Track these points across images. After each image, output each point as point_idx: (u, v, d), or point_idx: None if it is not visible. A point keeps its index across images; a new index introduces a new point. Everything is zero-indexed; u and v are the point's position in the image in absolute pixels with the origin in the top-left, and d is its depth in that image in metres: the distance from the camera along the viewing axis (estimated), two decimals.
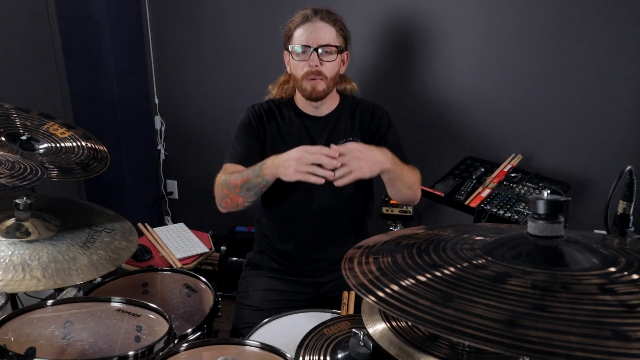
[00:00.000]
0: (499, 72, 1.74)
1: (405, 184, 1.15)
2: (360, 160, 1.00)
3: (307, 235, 1.28)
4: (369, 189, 1.34)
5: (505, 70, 1.73)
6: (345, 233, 1.30)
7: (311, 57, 1.17)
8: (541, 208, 0.56)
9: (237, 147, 1.24)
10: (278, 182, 1.27)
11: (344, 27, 1.23)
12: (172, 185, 2.41)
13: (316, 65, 1.17)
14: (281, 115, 1.28)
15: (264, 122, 1.26)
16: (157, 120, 2.31)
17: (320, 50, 1.17)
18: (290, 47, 1.21)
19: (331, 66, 1.19)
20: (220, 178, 1.19)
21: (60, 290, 1.26)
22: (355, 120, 1.28)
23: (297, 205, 1.26)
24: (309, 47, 1.17)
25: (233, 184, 1.14)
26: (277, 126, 1.26)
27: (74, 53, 2.09)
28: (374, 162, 1.03)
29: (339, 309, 1.08)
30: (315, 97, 1.21)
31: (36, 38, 2.00)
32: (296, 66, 1.20)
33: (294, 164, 1.00)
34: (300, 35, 1.18)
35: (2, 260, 0.89)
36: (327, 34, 1.18)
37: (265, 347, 0.89)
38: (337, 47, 1.19)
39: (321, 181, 0.99)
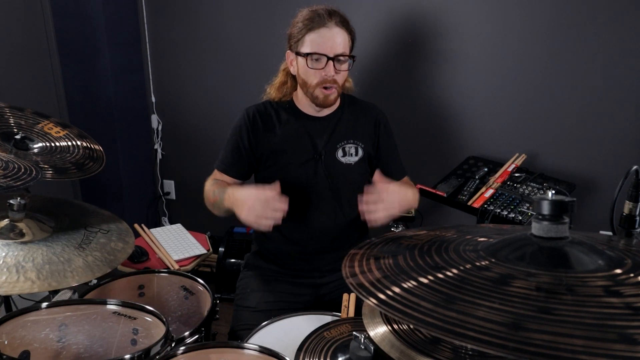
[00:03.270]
0: (502, 71, 1.74)
1: (412, 207, 1.21)
2: (395, 202, 1.04)
3: (306, 236, 1.27)
4: None
5: (509, 69, 1.72)
6: (346, 235, 1.29)
7: (327, 66, 1.12)
8: (546, 209, 0.56)
9: (226, 154, 1.26)
10: (276, 181, 1.26)
11: (354, 32, 1.19)
12: (169, 186, 2.39)
13: (332, 75, 1.13)
14: (278, 119, 1.25)
15: (258, 128, 1.23)
16: (154, 119, 2.29)
17: (340, 59, 1.13)
18: (301, 51, 1.14)
19: (343, 75, 1.17)
20: (207, 185, 1.24)
21: (55, 292, 1.25)
22: (357, 124, 1.27)
23: (297, 205, 1.25)
24: (325, 55, 1.12)
25: (209, 199, 1.20)
26: (274, 130, 1.24)
27: (69, 51, 2.07)
28: (406, 203, 1.10)
29: (339, 312, 1.07)
30: (327, 105, 1.19)
31: (31, 35, 1.98)
32: (307, 72, 1.15)
33: (245, 211, 1.02)
34: (314, 41, 1.12)
35: None
36: (342, 41, 1.13)
37: (264, 350, 0.88)
38: (351, 56, 1.16)
39: (266, 228, 1.01)
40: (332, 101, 1.18)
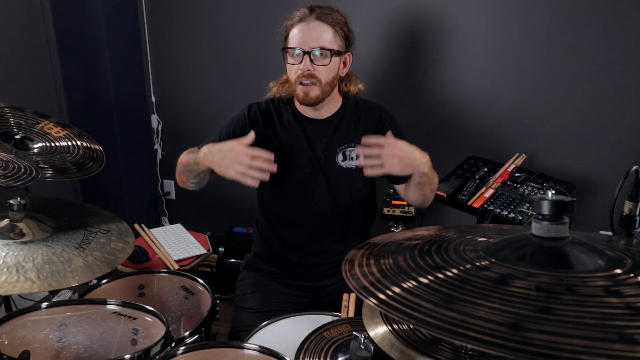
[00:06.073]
0: (502, 71, 1.73)
1: (432, 188, 1.15)
2: (395, 158, 1.00)
3: (305, 240, 1.26)
4: (371, 193, 1.30)
5: (509, 69, 1.72)
6: (346, 239, 1.26)
7: (303, 60, 1.10)
8: (546, 209, 0.56)
9: (214, 139, 1.23)
10: (274, 184, 1.25)
11: (345, 27, 1.15)
12: (169, 186, 2.39)
13: (308, 70, 1.10)
14: (279, 118, 1.23)
15: (257, 126, 1.21)
16: (154, 119, 2.29)
17: (317, 52, 1.10)
18: (285, 49, 1.15)
19: (326, 70, 1.12)
20: (181, 156, 1.23)
21: (55, 292, 1.25)
22: (359, 125, 1.23)
23: (295, 209, 1.23)
24: (300, 49, 1.10)
25: (181, 161, 1.19)
26: (274, 130, 1.22)
27: (69, 50, 2.07)
28: (409, 164, 1.03)
29: (340, 312, 1.07)
30: (308, 103, 1.15)
31: (31, 35, 1.98)
32: (290, 69, 1.14)
33: (231, 164, 1.01)
34: (293, 37, 1.12)
35: None
36: (321, 34, 1.10)
37: (264, 350, 0.88)
38: (331, 50, 1.11)
39: (255, 184, 1.01)
40: (314, 98, 1.13)
